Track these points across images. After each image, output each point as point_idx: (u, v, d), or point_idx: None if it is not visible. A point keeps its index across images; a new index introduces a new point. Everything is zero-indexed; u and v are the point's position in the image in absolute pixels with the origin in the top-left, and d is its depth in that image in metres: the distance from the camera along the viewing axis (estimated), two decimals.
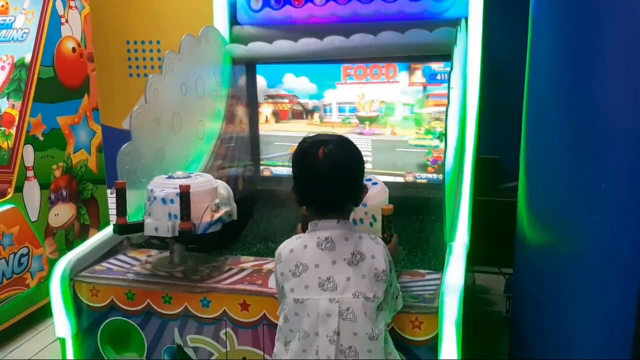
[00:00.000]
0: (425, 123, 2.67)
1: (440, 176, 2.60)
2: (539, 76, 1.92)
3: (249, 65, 2.84)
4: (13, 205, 2.96)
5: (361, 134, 2.74)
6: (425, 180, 2.71)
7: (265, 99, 2.89)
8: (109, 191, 3.43)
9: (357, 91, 2.74)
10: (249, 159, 2.89)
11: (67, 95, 3.40)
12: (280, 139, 2.90)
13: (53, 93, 3.28)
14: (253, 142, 2.90)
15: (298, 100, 2.84)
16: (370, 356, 1.43)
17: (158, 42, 3.17)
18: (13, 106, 3.11)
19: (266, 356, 1.83)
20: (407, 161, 2.72)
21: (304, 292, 1.45)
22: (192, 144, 2.49)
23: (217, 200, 2.01)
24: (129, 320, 1.94)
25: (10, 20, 3.28)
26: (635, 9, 1.15)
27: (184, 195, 1.88)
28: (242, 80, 2.85)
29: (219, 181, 2.10)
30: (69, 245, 3.33)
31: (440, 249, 2.07)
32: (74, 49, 3.44)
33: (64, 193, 3.37)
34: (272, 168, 2.91)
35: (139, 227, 1.96)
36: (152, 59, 3.20)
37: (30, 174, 3.09)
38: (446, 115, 1.91)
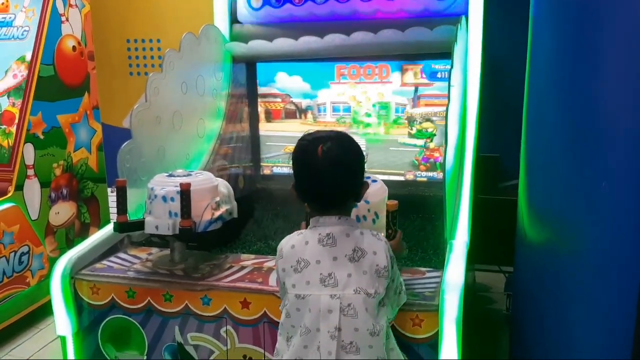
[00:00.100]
0: (416, 123, 2.67)
1: (441, 174, 2.61)
2: (539, 75, 1.92)
3: (249, 64, 2.84)
4: (13, 204, 2.96)
5: (355, 133, 2.74)
6: (425, 179, 2.71)
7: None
8: (109, 189, 3.43)
9: (350, 91, 2.74)
10: (249, 157, 2.89)
11: (68, 94, 3.40)
12: (273, 138, 2.89)
13: (53, 91, 3.28)
14: (253, 140, 2.90)
15: (291, 99, 2.84)
16: (372, 352, 1.43)
17: (158, 40, 3.17)
18: (13, 104, 3.11)
19: (267, 354, 1.83)
20: (399, 160, 2.72)
21: (305, 288, 1.45)
22: (193, 142, 2.49)
23: (217, 199, 2.01)
24: (130, 319, 1.94)
25: (10, 18, 3.28)
26: (635, 9, 1.15)
27: (185, 193, 1.88)
28: (243, 79, 2.84)
29: (220, 179, 2.10)
30: (70, 244, 3.33)
31: (440, 247, 2.07)
32: (74, 48, 3.44)
33: (65, 191, 3.37)
34: (272, 167, 2.91)
35: (140, 225, 1.96)
36: (152, 57, 3.20)
37: (30, 172, 3.09)
38: (446, 114, 1.91)
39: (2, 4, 3.31)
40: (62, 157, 3.34)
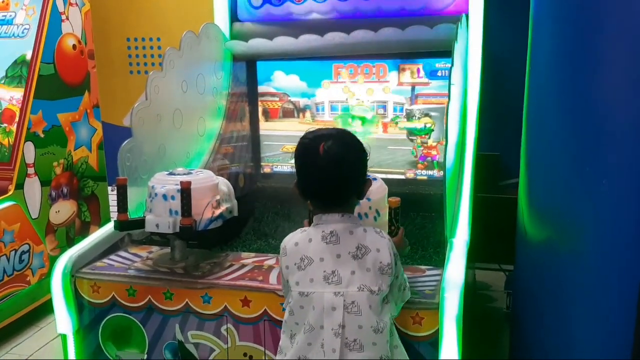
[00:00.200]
0: (415, 119, 2.67)
1: (440, 173, 2.61)
2: (540, 73, 1.92)
3: (250, 62, 2.84)
4: (14, 202, 2.97)
5: (353, 132, 2.74)
6: (425, 177, 2.71)
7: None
8: (109, 188, 3.43)
9: (348, 89, 2.74)
10: (249, 155, 2.89)
11: (68, 92, 3.40)
12: (271, 137, 2.88)
13: (54, 90, 3.28)
14: (254, 139, 2.90)
15: (289, 98, 2.84)
16: (375, 349, 1.43)
17: (158, 39, 3.17)
18: (12, 98, 3.10)
19: (267, 352, 1.83)
20: (399, 159, 2.72)
21: (309, 286, 1.45)
22: (193, 140, 2.49)
23: (218, 197, 2.01)
24: (130, 317, 1.94)
25: (10, 16, 3.28)
26: (635, 8, 1.15)
27: (185, 191, 1.88)
28: (243, 77, 2.84)
29: (220, 178, 2.10)
30: (70, 242, 3.33)
31: (441, 245, 2.07)
32: (74, 46, 3.44)
33: (65, 190, 3.37)
34: (272, 165, 2.91)
35: (140, 223, 1.96)
36: (152, 55, 3.20)
37: (31, 171, 3.09)
38: (447, 112, 1.91)
39: (3, 2, 3.31)
40: (62, 155, 3.34)
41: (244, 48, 2.69)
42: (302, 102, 2.81)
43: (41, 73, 3.17)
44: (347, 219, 1.50)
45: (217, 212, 1.98)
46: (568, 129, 1.53)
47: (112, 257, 2.10)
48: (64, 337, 2.01)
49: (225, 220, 2.02)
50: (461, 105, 2.15)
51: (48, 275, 2.99)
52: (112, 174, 3.29)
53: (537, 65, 1.98)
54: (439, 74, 2.62)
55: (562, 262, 1.55)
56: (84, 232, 3.45)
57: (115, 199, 1.94)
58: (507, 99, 2.67)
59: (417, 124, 2.67)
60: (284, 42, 2.60)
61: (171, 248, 2.04)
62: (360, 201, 1.64)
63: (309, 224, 1.62)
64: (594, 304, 1.32)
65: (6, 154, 3.04)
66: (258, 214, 2.69)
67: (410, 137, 2.69)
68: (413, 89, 2.66)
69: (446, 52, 2.15)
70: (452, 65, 1.93)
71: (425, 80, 2.64)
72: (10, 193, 2.96)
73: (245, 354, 1.86)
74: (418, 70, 2.64)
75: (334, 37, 2.52)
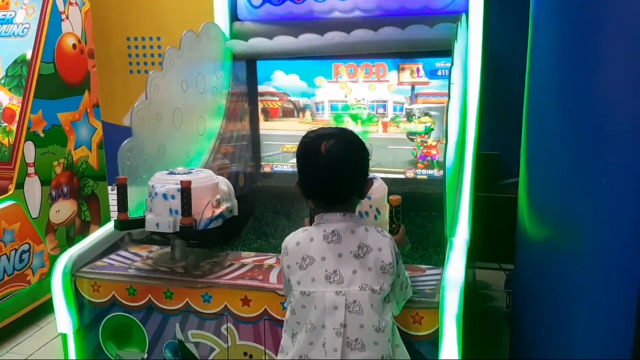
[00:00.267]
0: (415, 118, 2.67)
1: (440, 172, 2.61)
2: (540, 72, 1.92)
3: (250, 62, 2.84)
4: (14, 202, 2.97)
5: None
6: (425, 176, 2.72)
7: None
8: (109, 187, 3.43)
9: (348, 89, 2.74)
10: (249, 155, 2.89)
11: (68, 92, 3.40)
12: (271, 137, 2.88)
13: (54, 89, 3.28)
14: (254, 138, 2.90)
15: (288, 97, 2.83)
16: (377, 348, 1.43)
17: (158, 38, 3.17)
18: (12, 100, 3.10)
19: (267, 351, 1.83)
20: (399, 158, 2.72)
21: (310, 285, 1.45)
22: (193, 140, 2.50)
23: (218, 196, 2.01)
24: (131, 316, 1.95)
25: (10, 15, 3.28)
26: (635, 7, 1.15)
27: (185, 191, 1.88)
28: (243, 76, 2.84)
29: (220, 177, 2.11)
30: (70, 242, 3.33)
31: (441, 244, 2.07)
32: (74, 46, 3.44)
33: (65, 189, 3.37)
34: (272, 164, 2.91)
35: (140, 222, 1.96)
36: (152, 55, 3.20)
37: (31, 170, 3.09)
38: (447, 112, 1.91)
39: (3, 1, 3.31)
40: (62, 155, 3.35)
41: (244, 47, 2.69)
42: (302, 101, 2.81)
43: (41, 72, 3.17)
44: (348, 218, 1.50)
45: (217, 211, 1.98)
46: (568, 128, 1.53)
47: (112, 256, 2.10)
48: (64, 337, 2.01)
49: (225, 220, 2.02)
50: (461, 105, 2.15)
51: (48, 274, 3.00)
52: (112, 174, 3.29)
53: (537, 64, 1.98)
54: (439, 73, 2.62)
55: (562, 261, 1.55)
56: (84, 232, 3.45)
57: (116, 198, 1.94)
58: (507, 98, 2.67)
59: (418, 127, 2.67)
60: (284, 42, 2.60)
61: (171, 247, 2.04)
62: (361, 200, 1.64)
63: (310, 223, 1.62)
64: (594, 303, 1.32)
65: (6, 153, 3.04)
66: (258, 213, 2.69)
67: (410, 137, 2.69)
68: (413, 88, 2.66)
69: (446, 52, 2.15)
70: (452, 64, 1.93)
71: (425, 79, 2.64)
72: (10, 192, 2.96)
73: (245, 353, 1.86)
74: (418, 69, 2.64)
75: (334, 37, 2.52)
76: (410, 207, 2.49)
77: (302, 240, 1.51)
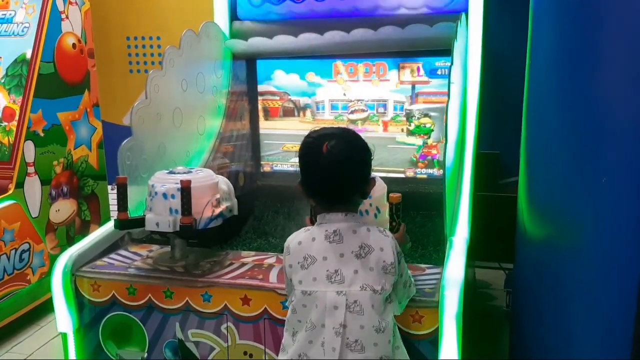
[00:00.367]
0: (415, 119, 2.67)
1: (440, 171, 2.61)
2: (540, 72, 1.92)
3: (250, 61, 2.84)
4: (14, 201, 2.97)
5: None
6: (425, 176, 2.72)
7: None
8: (109, 187, 3.43)
9: (348, 88, 2.73)
10: (249, 154, 2.89)
11: (68, 91, 3.40)
12: (271, 137, 2.88)
13: (53, 89, 3.28)
14: (254, 137, 2.90)
15: (289, 97, 2.83)
16: (377, 349, 1.44)
17: (158, 37, 3.17)
18: (14, 102, 3.11)
19: (267, 350, 1.83)
20: (399, 157, 2.72)
21: (311, 284, 1.46)
22: (193, 139, 2.50)
23: (218, 196, 2.01)
24: (131, 315, 1.95)
25: (10, 14, 3.28)
26: (635, 7, 1.15)
27: (185, 190, 1.88)
28: (243, 76, 2.84)
29: (220, 176, 2.11)
30: (70, 241, 3.33)
31: (440, 243, 2.07)
32: (74, 45, 3.44)
33: (65, 189, 3.37)
34: (272, 164, 2.91)
35: (140, 222, 1.96)
36: (152, 54, 3.20)
37: (31, 170, 3.09)
38: (446, 111, 1.91)
39: (3, 0, 3.30)
40: (62, 154, 3.35)
41: (243, 47, 2.69)
42: (303, 100, 2.81)
43: (41, 72, 3.17)
44: (350, 218, 1.50)
45: (217, 210, 1.98)
46: (568, 127, 1.52)
47: (112, 255, 2.10)
48: (64, 336, 2.01)
49: (225, 219, 2.03)
50: (461, 104, 2.15)
51: (48, 274, 3.00)
52: (112, 173, 3.29)
53: (536, 63, 1.98)
54: (439, 72, 2.62)
55: (562, 260, 1.55)
56: (84, 231, 3.45)
57: (115, 197, 1.94)
58: (506, 97, 2.67)
59: (417, 123, 2.67)
60: (283, 41, 2.60)
61: (171, 247, 2.04)
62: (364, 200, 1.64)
63: (311, 221, 1.62)
64: (594, 302, 1.32)
65: (6, 153, 3.04)
66: (258, 212, 2.69)
67: (410, 139, 2.69)
68: (413, 87, 2.66)
69: (446, 51, 2.15)
70: (452, 63, 1.93)
71: (425, 78, 2.64)
72: (10, 192, 2.96)
73: (245, 353, 1.86)
74: (418, 68, 2.64)
75: (334, 36, 2.52)
76: (410, 207, 2.49)
77: (304, 239, 1.51)
